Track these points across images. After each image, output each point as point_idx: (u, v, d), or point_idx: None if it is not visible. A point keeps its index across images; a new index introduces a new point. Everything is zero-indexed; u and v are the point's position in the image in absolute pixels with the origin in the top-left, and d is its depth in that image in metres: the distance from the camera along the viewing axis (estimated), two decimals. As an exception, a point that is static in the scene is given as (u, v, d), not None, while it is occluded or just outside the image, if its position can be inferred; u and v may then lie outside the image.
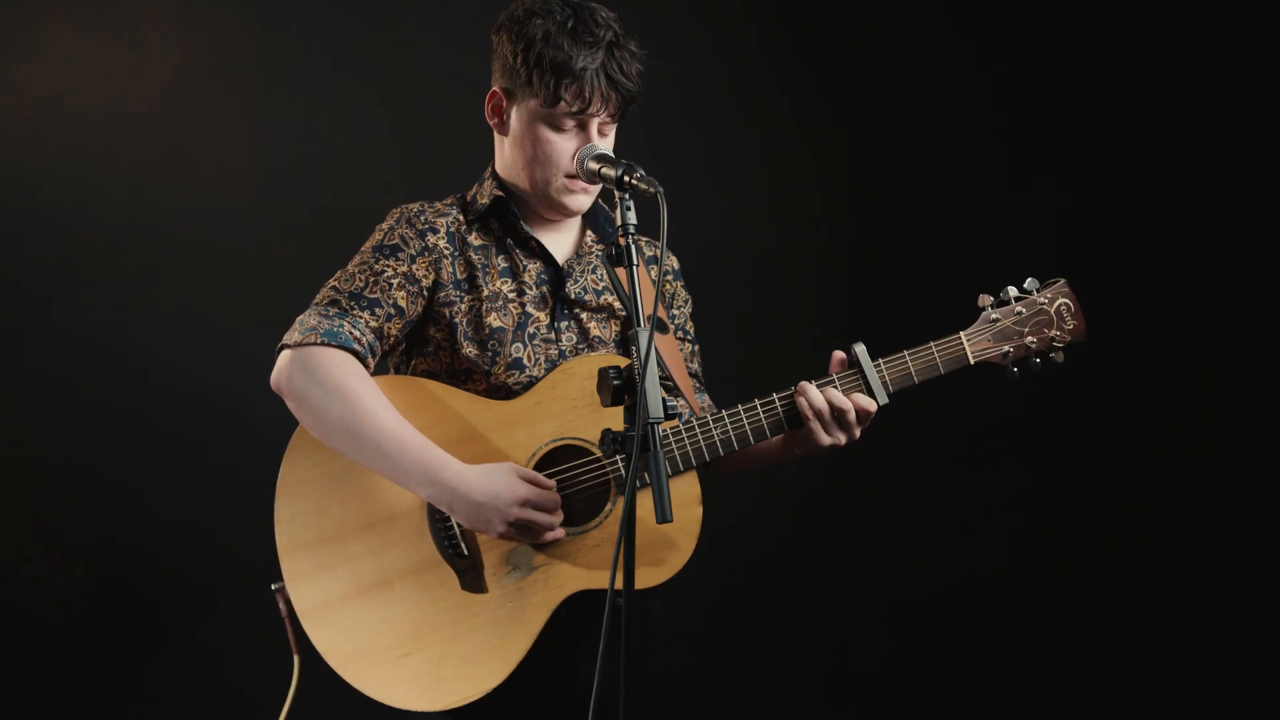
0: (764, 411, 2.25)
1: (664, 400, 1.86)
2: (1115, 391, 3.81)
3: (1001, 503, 3.89)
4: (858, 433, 2.26)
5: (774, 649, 3.94)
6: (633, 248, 1.94)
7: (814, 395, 2.22)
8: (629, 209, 1.95)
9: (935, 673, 3.93)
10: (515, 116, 2.28)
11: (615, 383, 1.88)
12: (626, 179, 1.99)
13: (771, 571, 3.93)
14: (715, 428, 2.24)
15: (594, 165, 2.12)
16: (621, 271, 2.32)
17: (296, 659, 2.26)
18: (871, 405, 2.24)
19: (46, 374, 3.70)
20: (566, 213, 2.34)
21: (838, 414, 2.23)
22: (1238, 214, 3.79)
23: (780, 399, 2.25)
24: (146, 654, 3.74)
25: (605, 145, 2.26)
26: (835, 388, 2.24)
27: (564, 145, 2.25)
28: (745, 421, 2.24)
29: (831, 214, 3.94)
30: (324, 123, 3.81)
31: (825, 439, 2.24)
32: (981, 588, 3.90)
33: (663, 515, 1.82)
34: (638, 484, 2.14)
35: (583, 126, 2.25)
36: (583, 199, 2.31)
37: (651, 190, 1.95)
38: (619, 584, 1.86)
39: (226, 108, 3.78)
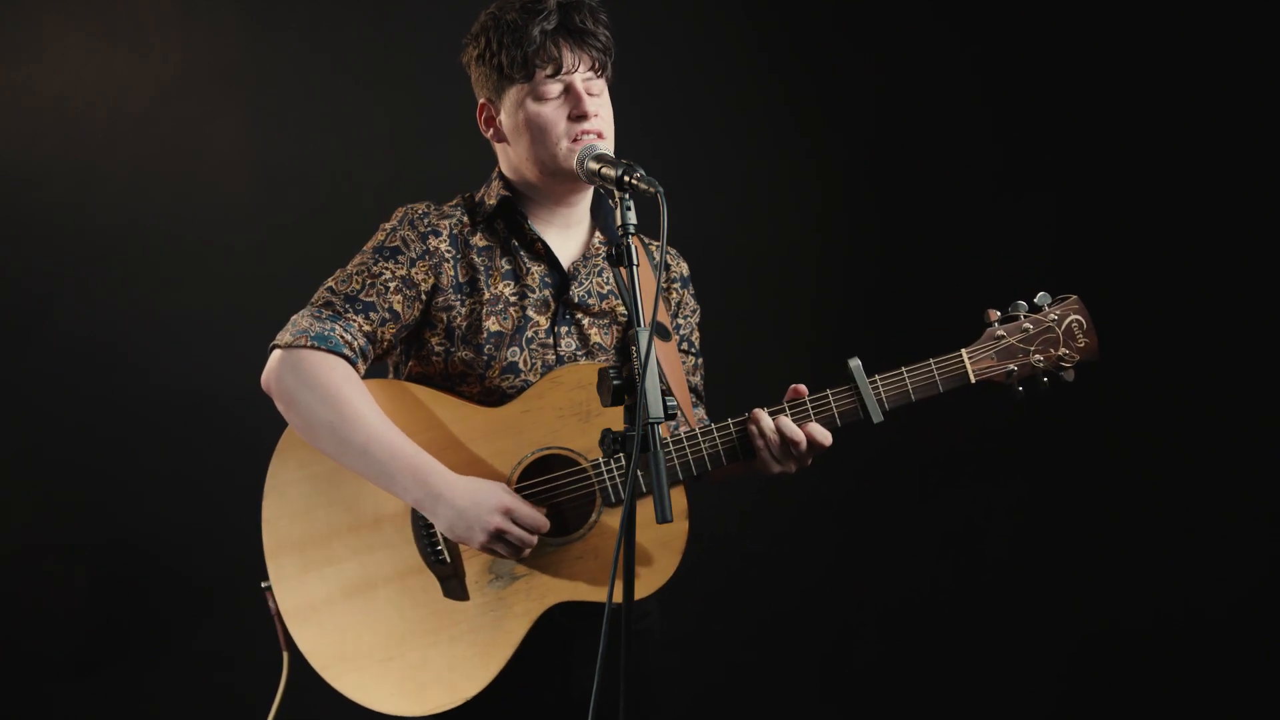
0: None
1: (664, 400, 1.84)
2: (1116, 395, 3.80)
3: (1000, 505, 3.88)
4: (809, 461, 2.22)
5: (772, 652, 3.93)
6: (633, 248, 1.92)
7: (765, 424, 2.19)
8: (629, 209, 1.93)
9: (934, 675, 3.93)
10: (505, 114, 2.26)
11: (615, 383, 1.86)
12: (626, 179, 1.97)
13: (769, 574, 3.92)
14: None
15: (594, 165, 2.09)
16: (624, 272, 2.31)
17: (286, 656, 2.26)
18: (827, 438, 2.19)
19: (46, 374, 3.69)
20: (582, 181, 2.25)
21: (790, 444, 2.19)
22: (1234, 216, 3.79)
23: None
24: (146, 655, 3.74)
25: (601, 104, 2.24)
26: (787, 416, 2.20)
27: (555, 111, 2.22)
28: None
29: (830, 216, 3.94)
30: (323, 123, 3.81)
31: (775, 467, 2.22)
32: (980, 591, 3.89)
33: (662, 515, 1.81)
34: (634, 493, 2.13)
35: (568, 90, 2.22)
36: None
37: (652, 190, 1.93)
38: (619, 585, 1.85)
39: (226, 108, 3.77)
